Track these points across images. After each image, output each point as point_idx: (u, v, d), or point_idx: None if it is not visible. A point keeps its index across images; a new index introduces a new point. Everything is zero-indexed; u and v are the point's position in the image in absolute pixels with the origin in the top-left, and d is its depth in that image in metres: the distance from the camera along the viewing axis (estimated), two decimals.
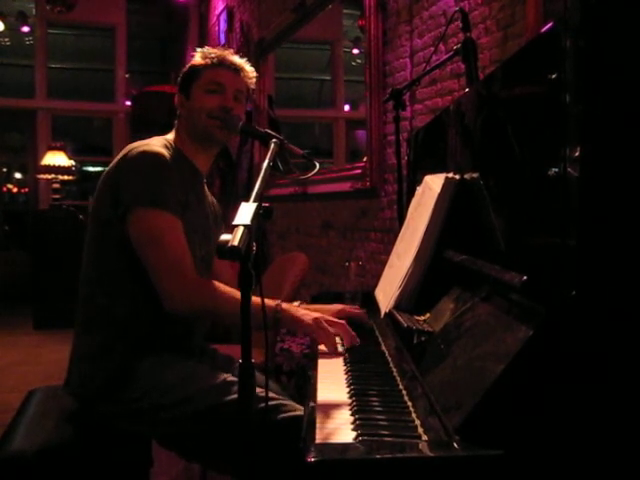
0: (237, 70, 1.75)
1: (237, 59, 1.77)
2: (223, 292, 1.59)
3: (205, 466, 1.70)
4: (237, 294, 1.55)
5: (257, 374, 1.17)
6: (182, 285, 1.56)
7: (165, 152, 1.65)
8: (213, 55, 1.74)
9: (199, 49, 1.79)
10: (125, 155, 1.65)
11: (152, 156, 1.62)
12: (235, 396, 1.48)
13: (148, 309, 1.62)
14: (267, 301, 1.47)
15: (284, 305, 1.62)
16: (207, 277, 1.73)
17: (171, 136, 1.78)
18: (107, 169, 1.69)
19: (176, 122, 1.79)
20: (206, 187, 1.87)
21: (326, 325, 1.58)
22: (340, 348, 1.59)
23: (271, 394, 1.56)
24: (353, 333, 1.60)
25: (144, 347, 1.64)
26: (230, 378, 1.58)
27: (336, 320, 1.62)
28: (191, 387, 1.57)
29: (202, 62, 1.74)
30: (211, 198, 1.91)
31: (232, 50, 1.80)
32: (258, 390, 1.40)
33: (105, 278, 1.65)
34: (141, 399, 1.57)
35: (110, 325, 1.64)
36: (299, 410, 1.49)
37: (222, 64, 1.73)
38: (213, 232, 1.81)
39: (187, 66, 1.78)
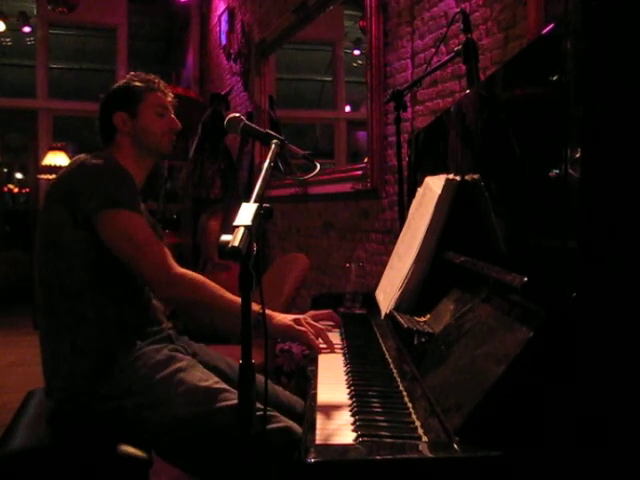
0: (169, 92, 1.95)
1: (161, 81, 1.95)
2: (204, 284, 1.68)
3: (191, 473, 1.69)
4: (218, 289, 1.67)
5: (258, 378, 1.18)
6: (166, 276, 1.65)
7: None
8: (148, 79, 1.90)
9: (131, 74, 1.95)
10: (76, 166, 1.72)
11: (109, 163, 1.73)
12: (222, 404, 1.51)
13: (112, 307, 1.67)
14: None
15: (273, 316, 1.68)
16: None
17: (106, 152, 1.85)
18: (54, 179, 1.76)
19: (117, 138, 1.88)
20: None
21: (307, 326, 1.67)
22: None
23: (258, 405, 1.56)
24: (330, 341, 1.65)
25: (115, 343, 1.66)
26: (218, 385, 1.59)
27: (317, 326, 1.68)
28: (176, 388, 1.57)
29: (139, 85, 1.88)
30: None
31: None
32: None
33: (65, 282, 1.68)
34: (122, 397, 1.58)
35: (77, 325, 1.65)
36: (284, 421, 1.52)
37: (160, 89, 1.91)
38: None
39: (119, 86, 1.91)
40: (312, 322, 1.70)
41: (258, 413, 1.47)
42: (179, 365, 1.64)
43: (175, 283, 1.65)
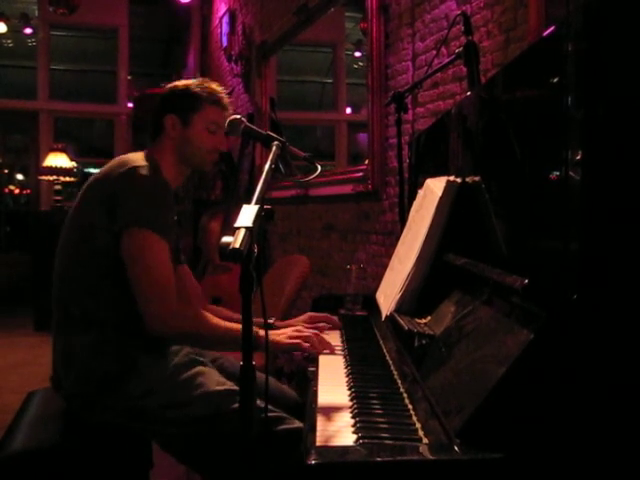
0: (229, 109, 1.87)
1: (226, 96, 1.87)
2: (204, 319, 1.65)
3: (201, 473, 1.70)
4: (218, 322, 1.65)
5: (259, 376, 1.18)
6: (164, 310, 1.60)
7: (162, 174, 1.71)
8: (213, 91, 1.82)
9: (197, 80, 1.87)
10: (125, 174, 1.66)
11: (155, 180, 1.67)
12: (236, 405, 1.51)
13: (135, 310, 1.63)
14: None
15: (260, 332, 1.63)
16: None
17: (147, 152, 1.81)
18: (97, 176, 1.73)
19: (163, 139, 1.82)
20: None
21: (300, 334, 1.66)
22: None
23: (270, 406, 1.57)
24: (326, 342, 1.66)
25: (143, 342, 1.65)
26: (234, 387, 1.60)
27: (307, 332, 1.68)
28: (193, 391, 1.58)
29: (202, 94, 1.80)
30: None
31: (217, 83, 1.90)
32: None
33: (89, 281, 1.67)
34: (148, 394, 1.58)
35: (104, 323, 1.65)
36: (296, 423, 1.53)
37: (222, 105, 1.83)
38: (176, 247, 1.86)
39: (180, 87, 1.83)
40: (302, 328, 1.72)
41: (270, 414, 1.50)
42: (197, 369, 1.66)
43: (173, 319, 1.62)
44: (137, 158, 1.73)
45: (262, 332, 1.61)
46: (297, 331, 1.68)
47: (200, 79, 1.88)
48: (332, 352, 1.61)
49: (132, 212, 1.62)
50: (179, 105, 1.80)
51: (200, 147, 1.81)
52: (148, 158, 1.75)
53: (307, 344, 1.63)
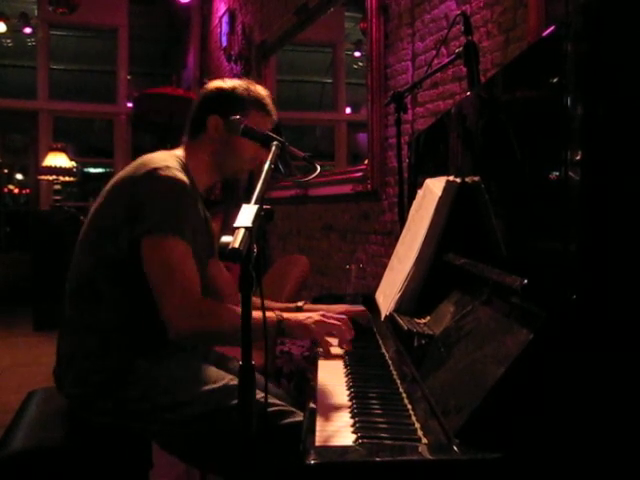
0: (274, 115, 1.80)
1: (271, 102, 1.79)
2: (226, 313, 1.58)
3: (204, 470, 1.71)
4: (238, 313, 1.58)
5: (258, 378, 1.18)
6: (189, 317, 1.55)
7: (186, 178, 1.64)
8: (259, 96, 1.76)
9: (242, 81, 1.78)
10: (143, 175, 1.61)
11: (178, 185, 1.60)
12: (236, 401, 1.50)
13: (145, 312, 1.61)
14: (268, 314, 1.46)
15: (285, 315, 1.63)
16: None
17: (180, 151, 1.76)
18: (123, 176, 1.66)
19: (203, 138, 1.76)
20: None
21: (328, 321, 1.61)
22: (337, 350, 1.61)
23: (273, 400, 1.57)
24: (351, 333, 1.63)
25: (143, 345, 1.64)
26: (232, 382, 1.59)
27: (338, 316, 1.65)
28: (192, 390, 1.57)
29: (249, 98, 1.74)
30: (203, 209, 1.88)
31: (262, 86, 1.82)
32: (259, 395, 1.40)
33: (96, 285, 1.64)
34: (141, 399, 1.58)
35: (106, 325, 1.63)
36: (300, 416, 1.50)
37: (268, 111, 1.77)
38: (205, 244, 1.80)
39: (227, 88, 1.75)
40: (329, 314, 1.65)
41: (275, 409, 1.49)
42: (194, 368, 1.64)
43: (197, 323, 1.56)
44: (161, 158, 1.66)
45: (286, 315, 1.63)
46: (324, 316, 1.62)
47: (246, 81, 1.80)
48: (327, 354, 1.59)
49: (152, 217, 1.56)
50: (225, 107, 1.72)
51: (241, 155, 1.76)
52: (177, 157, 1.70)
53: (329, 345, 1.58)
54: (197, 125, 1.77)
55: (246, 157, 1.76)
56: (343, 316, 1.66)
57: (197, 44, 7.63)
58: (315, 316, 1.63)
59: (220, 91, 1.76)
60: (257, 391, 1.24)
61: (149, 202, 1.58)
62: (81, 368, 1.63)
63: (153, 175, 1.60)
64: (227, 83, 1.78)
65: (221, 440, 1.53)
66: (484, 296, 1.23)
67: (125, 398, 1.59)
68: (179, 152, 1.76)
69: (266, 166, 1.34)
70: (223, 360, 1.89)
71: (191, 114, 1.79)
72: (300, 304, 1.87)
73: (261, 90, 1.79)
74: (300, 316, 1.64)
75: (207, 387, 1.58)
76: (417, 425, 1.05)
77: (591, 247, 0.92)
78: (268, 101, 1.78)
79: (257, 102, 1.76)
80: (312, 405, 1.19)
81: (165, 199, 1.59)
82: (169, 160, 1.66)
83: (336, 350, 1.61)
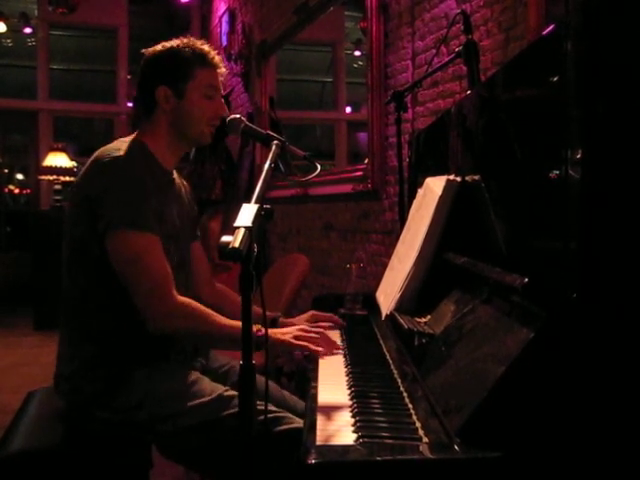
0: (222, 67, 1.71)
1: (215, 54, 1.71)
2: (203, 314, 1.58)
3: (204, 475, 1.71)
4: (217, 316, 1.58)
5: (258, 378, 1.18)
6: (163, 307, 1.54)
7: (141, 162, 1.61)
8: (205, 53, 1.67)
9: (180, 39, 1.68)
10: (98, 169, 1.58)
11: (132, 174, 1.57)
12: (232, 411, 1.49)
13: (135, 321, 1.58)
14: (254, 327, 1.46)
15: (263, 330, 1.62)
16: (185, 279, 1.74)
17: (136, 135, 1.71)
18: (78, 180, 1.63)
19: (157, 114, 1.68)
20: (175, 174, 1.79)
21: (307, 335, 1.60)
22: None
23: (270, 406, 1.56)
24: (334, 346, 1.64)
25: (137, 357, 1.63)
26: (227, 392, 1.58)
27: (316, 329, 1.65)
28: (188, 400, 1.56)
29: (193, 57, 1.65)
30: (179, 186, 1.82)
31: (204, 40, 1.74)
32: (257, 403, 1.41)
33: (88, 294, 1.64)
34: (137, 408, 1.57)
35: (99, 338, 1.62)
36: (297, 422, 1.50)
37: (214, 64, 1.68)
38: (186, 226, 1.79)
39: (166, 51, 1.66)
40: (308, 328, 1.66)
41: (270, 415, 1.49)
42: (189, 379, 1.62)
43: (174, 314, 1.55)
44: (114, 147, 1.62)
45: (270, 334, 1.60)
46: (302, 331, 1.62)
47: (183, 39, 1.68)
48: (338, 352, 1.60)
49: (109, 213, 1.53)
50: (169, 75, 1.65)
51: (199, 118, 1.67)
52: (135, 142, 1.65)
53: (316, 347, 1.57)
54: (147, 102, 1.69)
55: (203, 117, 1.67)
56: (321, 329, 1.66)
57: None
58: (294, 331, 1.62)
59: (160, 58, 1.67)
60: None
61: (105, 197, 1.54)
62: (77, 377, 1.63)
63: (104, 170, 1.57)
64: (164, 46, 1.68)
65: (217, 449, 1.52)
66: (484, 295, 1.23)
67: (121, 408, 1.58)
68: (137, 136, 1.70)
69: (266, 165, 1.34)
70: (227, 366, 1.88)
71: (137, 93, 1.71)
72: (276, 315, 1.87)
73: (201, 45, 1.68)
74: (278, 333, 1.61)
75: (202, 399, 1.56)
76: (418, 424, 1.05)
77: (591, 246, 0.92)
78: (213, 54, 1.69)
79: (200, 58, 1.66)
80: (312, 404, 1.20)
81: (120, 191, 1.54)
82: (122, 148, 1.61)
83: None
